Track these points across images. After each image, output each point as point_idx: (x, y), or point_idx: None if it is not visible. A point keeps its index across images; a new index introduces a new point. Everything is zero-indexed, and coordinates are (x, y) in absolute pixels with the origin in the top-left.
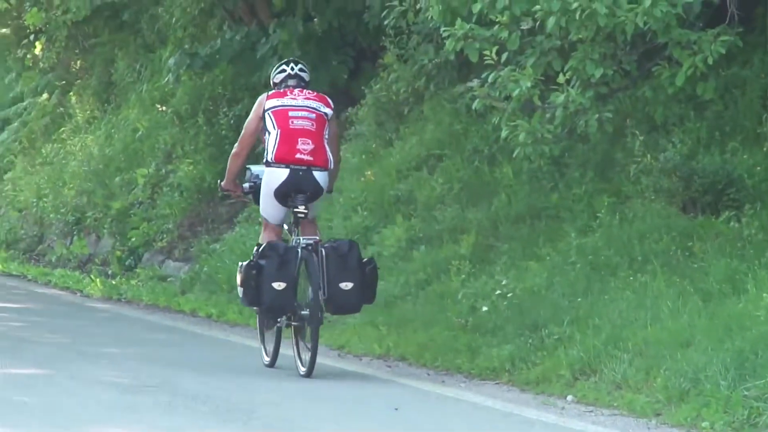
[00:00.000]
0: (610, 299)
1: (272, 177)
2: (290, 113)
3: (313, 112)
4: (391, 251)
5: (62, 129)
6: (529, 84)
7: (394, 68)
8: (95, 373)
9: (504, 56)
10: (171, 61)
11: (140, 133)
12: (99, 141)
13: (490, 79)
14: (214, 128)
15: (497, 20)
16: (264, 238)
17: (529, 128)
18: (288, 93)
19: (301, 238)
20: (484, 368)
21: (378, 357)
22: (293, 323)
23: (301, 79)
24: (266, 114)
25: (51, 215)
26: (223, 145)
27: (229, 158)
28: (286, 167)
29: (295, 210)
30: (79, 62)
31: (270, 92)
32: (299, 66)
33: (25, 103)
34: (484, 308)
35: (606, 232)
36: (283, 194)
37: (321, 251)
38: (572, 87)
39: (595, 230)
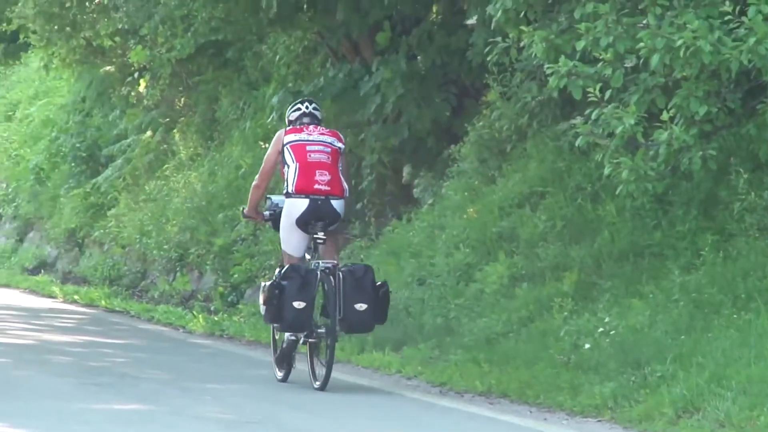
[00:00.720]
0: (714, 337)
1: (293, 207)
2: (308, 147)
3: (329, 147)
4: (493, 288)
5: (166, 166)
6: (632, 121)
7: (497, 105)
8: (198, 409)
9: (607, 93)
10: (274, 99)
11: (243, 170)
12: (202, 178)
13: (593, 117)
14: None
15: (601, 57)
16: (286, 261)
17: (633, 165)
18: (304, 129)
19: (320, 261)
20: (587, 405)
21: (480, 394)
22: (309, 340)
23: (315, 116)
24: (285, 148)
25: (154, 251)
26: None
27: (251, 189)
28: (306, 197)
29: (315, 236)
30: (182, 99)
31: (287, 128)
32: (313, 105)
33: (129, 140)
34: (587, 345)
35: (709, 270)
36: (304, 222)
37: (338, 274)
38: (676, 124)
39: (698, 268)
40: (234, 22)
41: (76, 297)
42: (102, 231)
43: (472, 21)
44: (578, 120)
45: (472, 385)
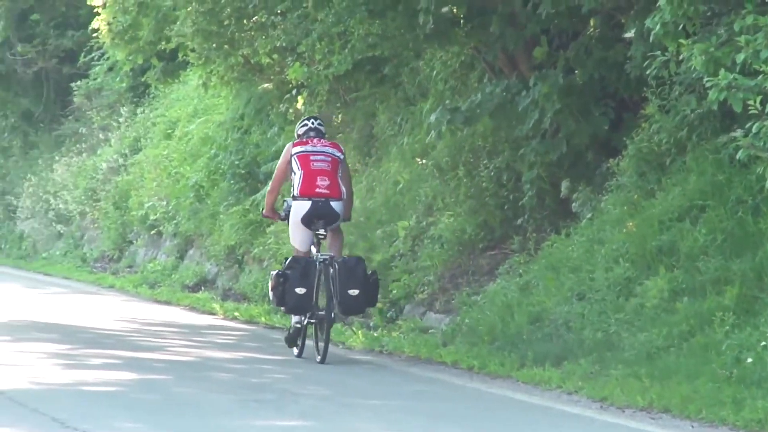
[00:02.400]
0: None
1: (298, 208)
2: (311, 157)
3: (329, 156)
4: (653, 302)
5: None
6: None
7: (655, 119)
8: (358, 425)
9: None
10: (432, 117)
11: (401, 185)
12: (360, 194)
13: (754, 129)
14: (474, 180)
15: (761, 70)
16: (294, 254)
17: None
18: (309, 142)
19: (319, 254)
20: (750, 420)
21: (641, 409)
22: (311, 321)
23: (319, 131)
24: (293, 158)
25: None
26: (484, 198)
27: (267, 193)
28: (309, 199)
29: (317, 232)
30: (340, 116)
31: (294, 141)
32: (318, 121)
33: None
34: (749, 360)
35: None
36: (307, 220)
37: (335, 265)
38: None
39: None
40: (391, 38)
41: (236, 313)
42: (261, 248)
43: (630, 34)
44: (738, 133)
45: (633, 400)
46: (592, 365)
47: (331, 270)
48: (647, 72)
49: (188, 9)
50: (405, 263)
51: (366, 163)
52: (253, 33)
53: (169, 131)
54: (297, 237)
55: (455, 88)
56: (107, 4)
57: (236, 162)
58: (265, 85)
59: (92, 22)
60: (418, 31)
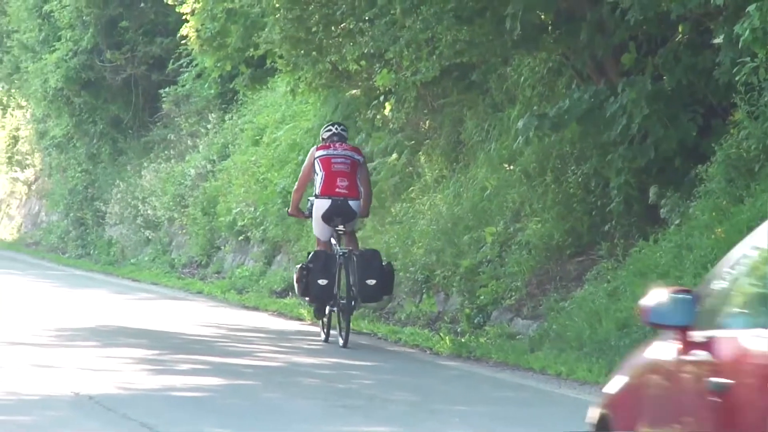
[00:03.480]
0: None
1: (319, 206)
2: (332, 160)
3: (349, 159)
4: None
5: (411, 188)
6: None
7: (744, 125)
8: (446, 431)
9: None
10: (520, 123)
11: (488, 191)
12: (447, 200)
13: None
14: (562, 186)
15: None
16: (316, 248)
17: None
18: (332, 146)
19: (339, 248)
20: None
21: None
22: (334, 309)
23: (342, 135)
24: (316, 161)
25: (400, 273)
26: (572, 204)
27: (293, 192)
28: (329, 198)
29: (336, 228)
30: (427, 122)
31: (319, 145)
32: (341, 127)
33: (374, 163)
34: None
35: None
36: (327, 217)
37: (353, 257)
38: None
39: None
40: (478, 44)
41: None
42: None
43: (718, 40)
44: None
45: None
46: None
47: (351, 262)
48: (736, 78)
49: (276, 16)
50: (492, 269)
51: (453, 169)
52: (341, 39)
53: (257, 137)
54: (318, 230)
55: (543, 94)
56: (196, 11)
57: None
58: (353, 91)
59: (181, 29)
60: (506, 37)
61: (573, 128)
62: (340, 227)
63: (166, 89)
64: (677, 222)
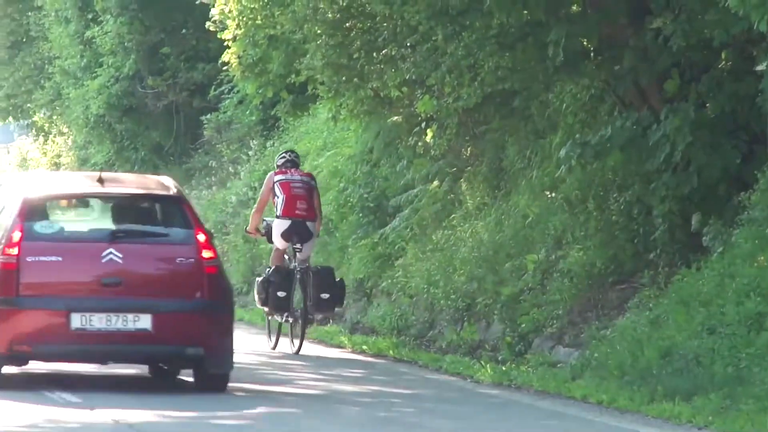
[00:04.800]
0: None
1: (280, 225)
2: (291, 184)
3: (305, 184)
4: None
5: (453, 215)
6: None
7: None
8: None
9: None
10: (562, 150)
11: (530, 219)
12: (489, 227)
13: None
14: (604, 214)
15: None
16: (272, 261)
17: None
18: (288, 171)
19: (296, 264)
20: None
21: None
22: (289, 319)
23: (294, 162)
24: (275, 185)
25: (441, 301)
26: (614, 231)
27: (252, 214)
28: (288, 219)
29: (294, 246)
30: (469, 149)
31: (275, 171)
32: (294, 154)
33: (416, 190)
34: None
35: None
36: (287, 236)
37: (309, 273)
38: None
39: None
40: (521, 70)
41: (364, 347)
42: (390, 281)
43: (762, 67)
44: None
45: None
46: (723, 400)
47: (307, 278)
48: None
49: (318, 42)
50: (534, 297)
51: (495, 196)
52: (382, 66)
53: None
54: (277, 248)
55: (585, 122)
56: (237, 38)
57: (365, 195)
58: (395, 118)
59: (222, 56)
60: (548, 63)
61: (615, 156)
62: (298, 246)
63: (208, 116)
64: (720, 250)
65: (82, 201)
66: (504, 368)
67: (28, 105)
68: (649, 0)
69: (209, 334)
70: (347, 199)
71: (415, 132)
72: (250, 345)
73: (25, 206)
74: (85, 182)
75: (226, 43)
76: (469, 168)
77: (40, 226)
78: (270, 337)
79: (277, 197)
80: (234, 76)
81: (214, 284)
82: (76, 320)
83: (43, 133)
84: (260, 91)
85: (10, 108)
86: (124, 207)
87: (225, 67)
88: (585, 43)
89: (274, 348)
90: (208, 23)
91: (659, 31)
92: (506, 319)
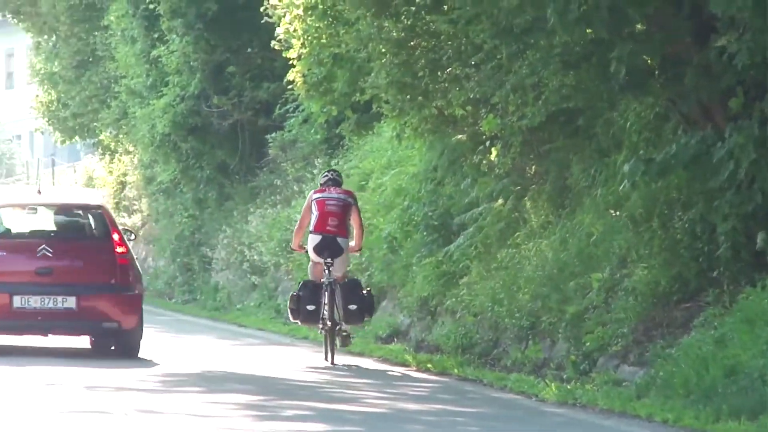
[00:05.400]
0: None
1: (312, 240)
2: (326, 202)
3: (341, 201)
4: None
5: (517, 234)
6: None
7: None
8: None
9: None
10: (626, 168)
11: (594, 237)
12: (553, 245)
13: None
14: (668, 232)
15: None
16: (311, 275)
17: None
18: (327, 189)
19: (326, 278)
20: None
21: None
22: (323, 330)
23: (336, 181)
24: (312, 202)
25: (506, 320)
26: (678, 250)
27: (294, 231)
28: (320, 234)
29: (326, 261)
30: (533, 167)
31: (316, 189)
32: (336, 173)
33: (480, 209)
34: None
35: None
36: (318, 251)
37: (337, 286)
38: None
39: None
40: (585, 89)
41: (428, 365)
42: (454, 299)
43: None
44: None
45: None
46: None
47: (335, 290)
48: None
49: (383, 61)
50: (599, 315)
51: (559, 214)
52: (447, 85)
53: (363, 183)
54: (311, 263)
55: (649, 140)
56: (302, 57)
57: (429, 213)
58: (459, 136)
59: (287, 74)
60: (612, 82)
61: (680, 174)
62: (329, 260)
63: (273, 134)
64: None
65: (30, 208)
66: (569, 387)
67: (95, 124)
68: (714, 18)
69: (122, 312)
70: (411, 217)
71: (479, 150)
72: (314, 363)
73: None
74: (28, 194)
75: (291, 62)
76: (533, 186)
77: None
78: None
79: (313, 214)
80: (299, 94)
81: (125, 273)
82: (17, 301)
83: (109, 152)
84: (325, 110)
85: (77, 127)
86: (58, 213)
87: (290, 86)
88: (649, 61)
89: (325, 359)
90: (273, 42)
91: (723, 49)
92: (571, 338)
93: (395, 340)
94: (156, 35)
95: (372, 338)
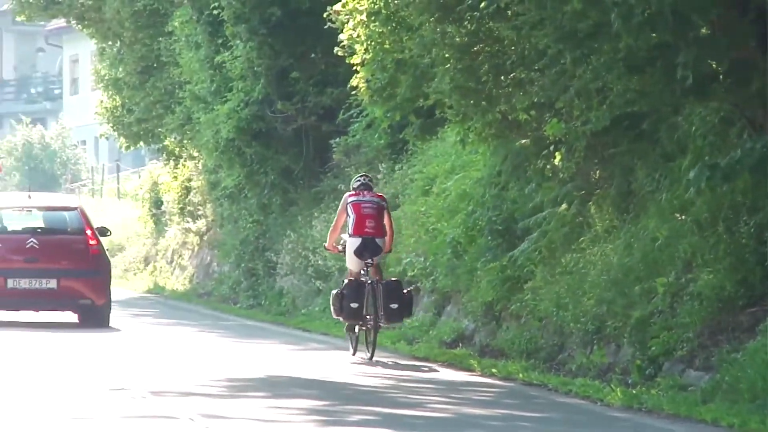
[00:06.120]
0: None
1: (352, 243)
2: (362, 205)
3: (375, 205)
4: None
5: (581, 238)
6: None
7: None
8: None
9: None
10: (691, 173)
11: (659, 242)
12: (618, 250)
13: None
14: (734, 237)
15: None
16: (348, 277)
17: None
18: (360, 193)
19: (368, 278)
20: None
21: None
22: (363, 328)
23: (368, 185)
24: (348, 206)
25: (570, 324)
26: (744, 254)
27: (330, 232)
28: (359, 237)
29: (366, 262)
30: (598, 172)
31: (350, 193)
32: (368, 178)
33: (544, 213)
34: None
35: None
36: (359, 253)
37: (379, 286)
38: None
39: None
40: (649, 93)
41: (493, 370)
42: (519, 304)
43: None
44: None
45: None
46: None
47: (377, 290)
48: None
49: (446, 66)
50: (664, 320)
51: (624, 219)
52: (510, 89)
53: (427, 188)
54: (351, 263)
55: (714, 144)
56: (366, 62)
57: (494, 218)
58: (523, 141)
59: (351, 80)
60: (677, 86)
61: (745, 178)
62: (369, 260)
63: (337, 139)
64: None
65: (27, 210)
66: (634, 392)
67: (159, 129)
68: None
69: (93, 291)
70: (476, 222)
71: (543, 155)
72: (378, 368)
73: None
74: (19, 198)
75: (354, 68)
76: (597, 191)
77: None
78: (351, 344)
79: (349, 217)
80: (362, 100)
81: (96, 260)
82: (11, 283)
83: (173, 158)
84: (388, 115)
85: (141, 132)
86: (45, 213)
87: (353, 91)
88: (714, 65)
89: (353, 354)
90: (336, 48)
91: None
92: (636, 342)
93: (460, 344)
94: (220, 41)
95: (437, 343)
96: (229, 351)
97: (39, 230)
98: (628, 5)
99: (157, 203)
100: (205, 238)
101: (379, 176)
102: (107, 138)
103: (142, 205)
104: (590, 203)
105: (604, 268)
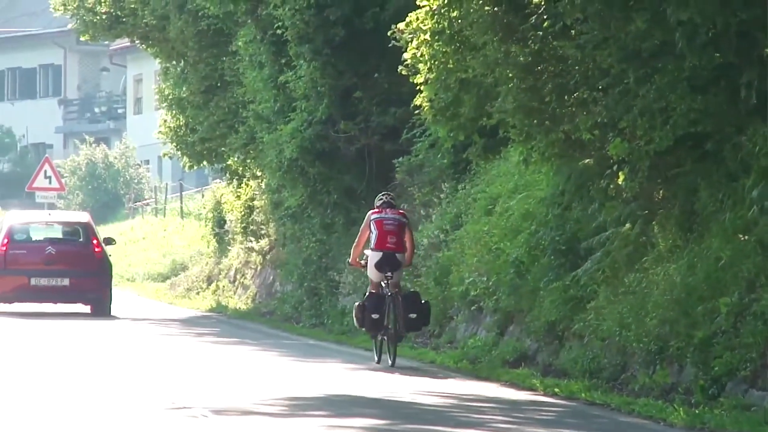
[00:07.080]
0: None
1: (374, 257)
2: (384, 222)
3: (397, 221)
4: None
5: (644, 258)
6: None
7: None
8: None
9: None
10: (754, 192)
11: (723, 261)
12: (681, 270)
13: None
14: None
15: None
16: (370, 289)
17: None
18: (383, 211)
19: (388, 290)
20: None
21: None
22: (384, 337)
23: (390, 203)
24: (371, 222)
25: (633, 344)
26: None
27: (353, 247)
28: (381, 252)
29: (386, 275)
30: (661, 192)
31: (373, 210)
32: (390, 196)
33: (608, 233)
34: None
35: None
36: (379, 266)
37: (398, 297)
38: None
39: None
40: (713, 113)
41: (555, 389)
42: (582, 323)
43: None
44: None
45: None
46: None
47: (397, 301)
48: None
49: (510, 85)
50: (727, 340)
51: (687, 239)
52: (574, 109)
53: (490, 207)
54: (373, 276)
55: None
56: (429, 82)
57: (557, 238)
58: (586, 161)
59: (414, 99)
60: (741, 106)
61: None
62: (389, 274)
63: (400, 159)
64: None
65: (49, 224)
66: (697, 411)
67: (222, 149)
68: None
69: (98, 288)
70: (539, 241)
71: (606, 175)
72: (441, 387)
73: (9, 228)
74: (42, 215)
75: (417, 87)
76: (661, 211)
77: (17, 236)
78: (374, 353)
79: (372, 233)
80: (426, 119)
81: (100, 263)
82: (33, 281)
83: (236, 177)
84: (452, 135)
85: (205, 152)
86: (61, 227)
87: (417, 111)
88: None
89: (378, 362)
90: (400, 68)
91: None
92: (699, 363)
93: (522, 364)
94: (283, 60)
95: (499, 363)
96: (290, 370)
97: (56, 240)
98: (693, 25)
99: (220, 222)
100: (268, 257)
101: (441, 196)
102: (170, 157)
103: (205, 224)
104: (653, 223)
105: (667, 288)
